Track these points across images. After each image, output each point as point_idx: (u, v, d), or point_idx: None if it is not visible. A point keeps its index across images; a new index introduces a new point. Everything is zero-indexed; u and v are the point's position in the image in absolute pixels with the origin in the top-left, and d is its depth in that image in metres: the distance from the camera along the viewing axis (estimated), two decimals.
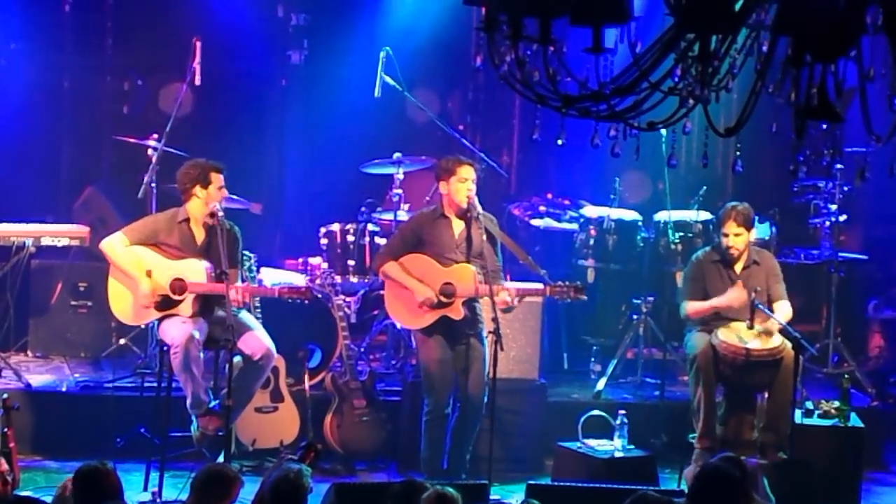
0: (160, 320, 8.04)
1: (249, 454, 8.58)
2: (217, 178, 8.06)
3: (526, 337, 9.06)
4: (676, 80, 4.16)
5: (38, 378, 9.28)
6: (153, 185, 9.25)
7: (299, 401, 8.77)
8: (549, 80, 4.17)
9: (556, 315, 9.84)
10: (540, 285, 8.15)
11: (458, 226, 8.23)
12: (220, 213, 8.02)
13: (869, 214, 11.03)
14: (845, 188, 10.05)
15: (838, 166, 9.78)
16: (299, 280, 9.17)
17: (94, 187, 10.44)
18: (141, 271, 7.98)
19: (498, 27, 4.17)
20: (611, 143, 4.42)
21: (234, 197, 8.99)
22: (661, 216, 9.94)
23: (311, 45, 11.38)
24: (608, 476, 7.91)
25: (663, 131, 4.46)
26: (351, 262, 9.62)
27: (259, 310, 8.61)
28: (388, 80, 9.78)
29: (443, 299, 8.07)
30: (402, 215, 9.63)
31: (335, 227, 9.71)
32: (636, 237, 9.99)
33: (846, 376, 8.72)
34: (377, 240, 9.63)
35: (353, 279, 9.64)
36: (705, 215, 9.81)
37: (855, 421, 8.49)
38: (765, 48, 4.15)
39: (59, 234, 9.54)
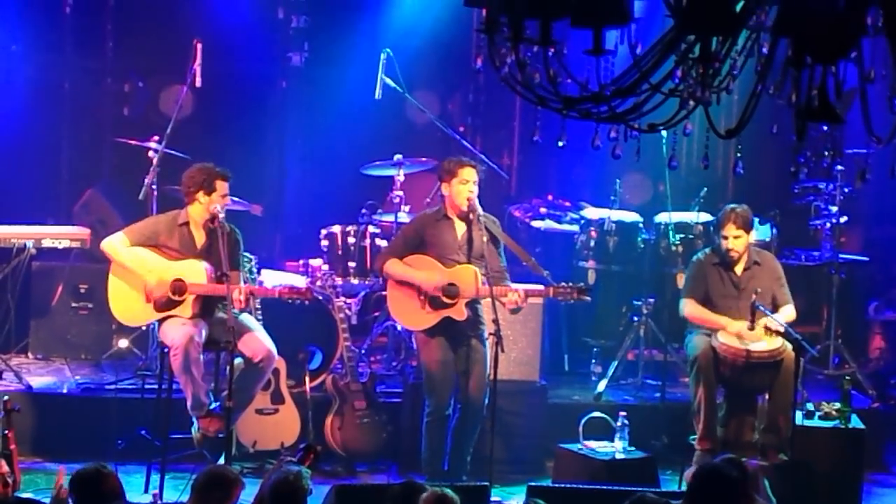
0: (160, 322, 8.05)
1: (250, 456, 8.58)
2: (222, 186, 8.07)
3: (527, 338, 9.06)
4: (677, 81, 4.16)
5: (39, 380, 9.28)
6: (154, 186, 9.25)
7: (300, 402, 8.77)
8: (549, 82, 4.17)
9: (556, 316, 9.84)
10: (543, 286, 8.16)
11: (461, 227, 8.23)
12: (221, 216, 8.03)
13: (869, 216, 11.03)
14: (846, 190, 10.05)
15: (839, 168, 9.78)
16: (300, 282, 9.16)
17: (94, 189, 10.44)
18: (145, 268, 7.99)
19: (498, 29, 4.18)
20: (611, 144, 4.42)
21: (235, 199, 8.98)
22: (661, 218, 9.94)
23: (311, 47, 11.39)
24: (609, 478, 7.91)
25: (664, 133, 4.46)
26: (352, 264, 9.62)
27: (260, 311, 8.61)
28: (389, 81, 9.78)
29: (446, 299, 8.08)
30: (403, 217, 9.63)
31: (336, 228, 9.70)
32: (637, 239, 9.98)
33: (847, 378, 8.71)
34: (378, 241, 9.63)
35: (354, 281, 9.64)
36: (706, 217, 9.81)
37: (856, 422, 8.48)
38: (765, 50, 4.16)
39: (59, 235, 9.55)
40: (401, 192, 9.77)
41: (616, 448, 8.22)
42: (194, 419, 8.00)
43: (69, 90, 11.11)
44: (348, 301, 9.38)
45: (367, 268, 9.61)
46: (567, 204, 10.76)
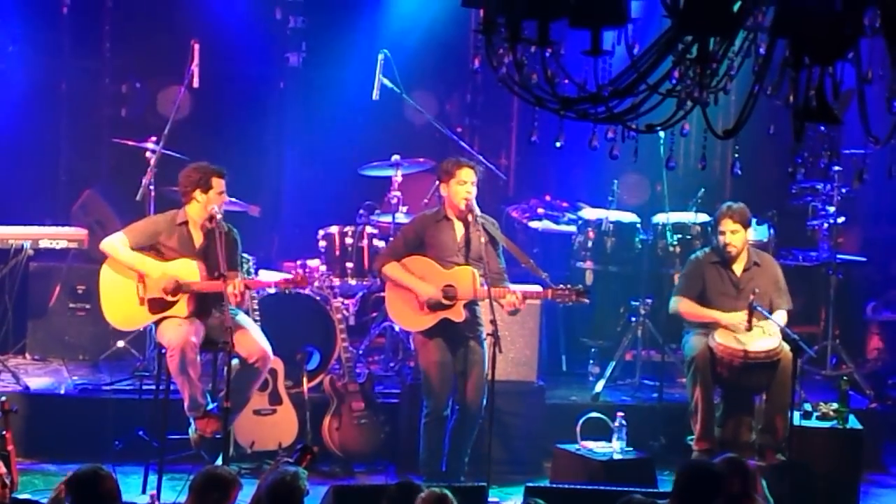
0: (157, 323, 8.04)
1: (248, 456, 8.58)
2: (218, 184, 8.06)
3: (524, 339, 9.06)
4: (675, 82, 4.16)
5: (37, 381, 9.27)
6: (151, 187, 9.25)
7: (298, 403, 8.77)
8: (547, 83, 4.17)
9: (554, 317, 9.84)
10: (541, 288, 8.16)
11: (460, 228, 8.24)
12: (219, 216, 8.03)
13: (867, 216, 11.04)
14: (843, 190, 10.06)
15: (836, 168, 9.79)
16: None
17: (92, 190, 10.43)
18: (143, 268, 7.97)
19: (496, 29, 4.18)
20: (609, 145, 4.42)
21: (233, 199, 8.98)
22: (659, 218, 9.94)
23: (309, 47, 11.38)
24: (607, 478, 7.91)
25: (661, 133, 4.46)
26: (349, 265, 9.62)
27: (258, 312, 8.60)
28: (387, 82, 9.78)
29: (444, 301, 8.08)
30: (401, 217, 9.63)
31: (333, 229, 9.70)
32: (634, 239, 9.98)
33: (845, 378, 8.71)
34: (375, 242, 9.63)
35: (352, 281, 9.64)
36: (703, 217, 9.80)
37: (853, 423, 8.48)
38: (762, 50, 4.16)
39: (57, 236, 9.54)
40: (398, 193, 9.77)
41: (614, 448, 8.23)
42: (192, 420, 8.00)
43: (67, 91, 11.10)
44: (346, 302, 9.38)
45: (364, 268, 9.61)
46: (565, 204, 10.77)
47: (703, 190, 9.88)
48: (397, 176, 9.79)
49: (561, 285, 8.17)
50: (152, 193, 9.25)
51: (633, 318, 9.78)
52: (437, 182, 8.44)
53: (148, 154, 9.32)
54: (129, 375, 9.28)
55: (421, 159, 10.01)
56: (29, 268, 9.69)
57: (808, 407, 8.53)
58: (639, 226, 10.03)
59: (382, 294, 8.99)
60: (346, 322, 9.04)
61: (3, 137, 10.43)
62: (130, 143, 9.61)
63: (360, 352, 9.64)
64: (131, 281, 8.02)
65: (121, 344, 9.73)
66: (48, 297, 9.87)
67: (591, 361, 9.98)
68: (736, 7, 4.05)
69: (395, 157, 9.81)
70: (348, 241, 9.64)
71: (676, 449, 8.58)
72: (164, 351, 8.02)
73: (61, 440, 8.57)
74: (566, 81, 4.21)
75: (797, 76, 4.02)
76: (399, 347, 9.74)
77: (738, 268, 8.59)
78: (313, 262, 9.55)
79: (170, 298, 7.98)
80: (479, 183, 8.33)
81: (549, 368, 9.61)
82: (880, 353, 10.69)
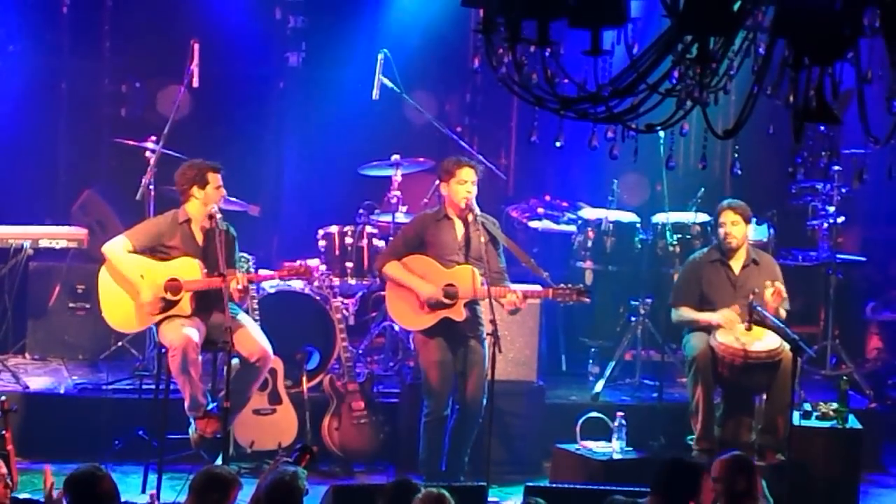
0: (158, 323, 8.03)
1: (247, 456, 8.58)
2: (214, 178, 8.06)
3: (524, 339, 9.06)
4: (674, 81, 4.16)
5: (36, 380, 9.27)
6: (151, 187, 9.24)
7: (297, 403, 8.77)
8: (547, 82, 4.17)
9: (554, 317, 9.84)
10: (541, 287, 8.17)
11: (460, 228, 8.24)
12: (219, 216, 8.03)
13: (867, 216, 11.03)
14: (843, 190, 10.06)
15: (836, 168, 9.79)
16: (297, 283, 9.16)
17: (92, 190, 10.43)
18: (138, 274, 7.97)
19: (496, 29, 4.17)
20: (609, 144, 4.42)
21: (233, 199, 8.99)
22: (659, 218, 9.94)
23: (309, 47, 11.38)
24: (606, 478, 7.91)
25: (661, 133, 4.46)
26: (349, 264, 9.61)
27: (257, 312, 8.60)
28: (386, 82, 9.78)
29: (445, 301, 8.08)
30: (401, 217, 9.63)
31: (333, 229, 9.70)
32: (634, 239, 9.98)
33: (844, 378, 8.71)
34: (375, 242, 9.63)
35: (352, 281, 9.64)
36: (703, 217, 9.80)
37: (853, 423, 8.48)
38: (761, 50, 4.16)
39: (57, 236, 9.55)
40: (398, 193, 9.76)
41: (613, 448, 8.23)
42: (191, 420, 8.00)
43: (66, 90, 11.10)
44: (346, 301, 9.38)
45: (364, 268, 9.61)
46: (564, 204, 10.76)
47: (702, 190, 9.88)
48: (397, 175, 9.79)
49: (562, 284, 8.18)
50: (152, 193, 9.25)
51: (633, 318, 9.78)
52: (438, 181, 8.45)
53: (148, 154, 9.31)
54: (128, 375, 9.28)
55: (421, 159, 10.01)
56: (28, 267, 9.69)
57: (807, 407, 8.53)
58: (638, 225, 10.03)
59: (382, 293, 9.00)
60: (345, 322, 9.04)
61: (3, 137, 10.43)
62: (130, 142, 9.61)
63: (360, 351, 9.65)
64: (131, 282, 8.01)
65: (121, 344, 9.72)
66: (48, 297, 9.87)
67: (591, 361, 9.98)
68: (736, 7, 4.05)
69: (395, 157, 9.80)
70: (348, 240, 9.64)
71: (676, 449, 8.57)
72: (164, 351, 8.02)
73: (61, 440, 8.57)
74: (566, 81, 4.21)
75: (797, 76, 4.02)
76: (399, 347, 9.73)
77: (736, 265, 8.60)
78: (313, 262, 9.49)
79: (171, 298, 7.98)
80: (479, 182, 8.33)
81: (548, 368, 9.60)
82: (880, 353, 10.69)
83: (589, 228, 10.02)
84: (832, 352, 10.11)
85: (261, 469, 8.24)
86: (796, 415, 8.10)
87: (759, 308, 8.22)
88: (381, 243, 9.53)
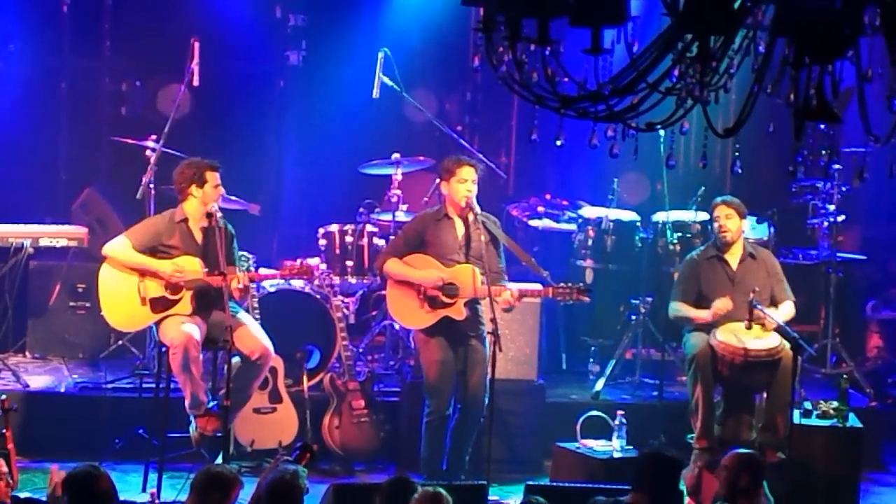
0: (159, 321, 8.03)
1: (248, 455, 8.58)
2: (213, 177, 8.06)
3: (524, 337, 9.06)
4: (675, 80, 4.16)
5: (37, 379, 9.27)
6: (151, 186, 9.24)
7: (298, 402, 8.77)
8: (547, 81, 4.17)
9: (554, 315, 9.84)
10: (542, 286, 8.17)
11: (461, 227, 8.23)
12: (219, 214, 8.03)
13: (867, 215, 11.03)
14: (843, 188, 10.06)
15: (836, 166, 9.79)
16: (297, 281, 9.15)
17: (92, 188, 10.44)
18: (154, 264, 7.96)
19: (496, 28, 4.18)
20: (609, 143, 4.42)
21: (233, 198, 8.99)
22: (659, 217, 9.94)
23: (309, 45, 11.38)
24: (607, 477, 7.91)
25: (661, 132, 4.46)
26: (349, 263, 9.61)
27: (258, 310, 8.60)
28: (387, 80, 9.77)
29: (445, 299, 8.08)
30: (401, 216, 9.63)
31: (333, 227, 9.70)
32: (634, 238, 9.98)
33: (844, 377, 8.72)
34: (376, 240, 9.63)
35: (352, 280, 9.64)
36: (703, 216, 9.79)
37: (853, 421, 8.49)
38: (761, 48, 4.16)
39: (57, 234, 9.55)
40: (398, 191, 9.76)
41: (614, 447, 8.23)
42: (192, 418, 8.00)
43: (67, 89, 11.10)
44: (346, 300, 9.38)
45: (364, 267, 9.61)
46: (565, 203, 10.76)
47: (703, 188, 9.87)
48: (397, 174, 9.79)
49: (562, 283, 8.18)
50: (152, 192, 9.24)
51: (633, 317, 9.78)
52: (438, 180, 8.45)
53: (148, 152, 9.31)
54: (129, 374, 9.28)
55: (421, 158, 10.01)
56: (29, 266, 9.69)
57: (808, 405, 8.54)
58: (639, 224, 10.03)
59: (382, 292, 9.01)
60: (346, 320, 9.04)
61: (4, 136, 10.43)
62: (130, 141, 9.61)
63: (361, 350, 9.64)
64: (132, 282, 8.01)
65: (121, 342, 9.73)
66: (48, 296, 9.87)
67: (592, 360, 9.98)
68: (736, 5, 4.05)
69: (396, 156, 9.80)
70: (348, 239, 9.64)
71: (676, 447, 8.57)
72: (165, 349, 8.02)
73: (61, 438, 8.56)
74: (566, 80, 4.21)
75: (797, 75, 4.02)
76: (399, 346, 9.74)
77: (733, 261, 8.60)
78: (313, 261, 9.51)
79: (172, 297, 7.98)
80: (480, 181, 8.32)
81: (549, 367, 9.61)
82: (880, 351, 10.68)
83: (589, 227, 10.02)
84: (832, 350, 10.11)
85: (261, 468, 8.25)
86: (796, 413, 8.10)
87: (759, 306, 8.22)
88: (381, 242, 9.53)
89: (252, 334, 8.02)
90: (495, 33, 4.19)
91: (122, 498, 5.95)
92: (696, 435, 8.36)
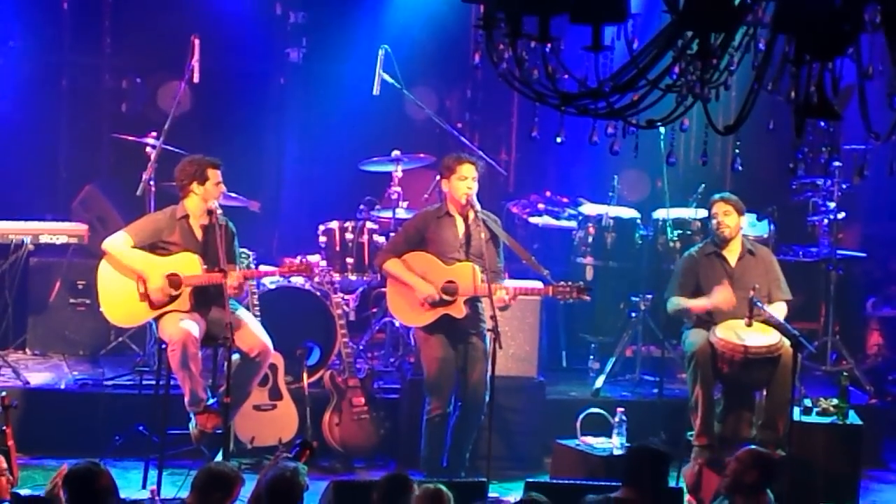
0: (158, 318, 8.04)
1: (248, 452, 8.58)
2: (214, 174, 8.06)
3: (524, 335, 9.06)
4: (675, 77, 4.16)
5: (37, 376, 9.28)
6: (152, 183, 9.24)
7: (298, 399, 8.77)
8: (547, 78, 4.17)
9: (554, 313, 9.84)
10: (542, 285, 8.17)
11: (461, 224, 8.23)
12: (219, 212, 8.03)
13: (867, 212, 11.03)
14: (844, 186, 10.06)
15: (836, 164, 9.79)
16: (297, 278, 9.15)
17: (92, 185, 10.44)
18: (147, 266, 7.97)
19: (496, 25, 4.17)
20: (609, 140, 4.42)
21: (233, 195, 8.99)
22: (659, 214, 9.94)
23: (309, 42, 11.38)
24: (606, 474, 7.90)
25: (662, 129, 4.46)
26: (349, 260, 9.61)
27: (258, 308, 8.60)
28: (387, 77, 9.77)
29: (445, 297, 8.08)
30: (401, 213, 9.63)
31: (334, 224, 9.69)
32: (635, 235, 9.98)
33: (845, 374, 8.72)
34: (376, 238, 9.62)
35: (352, 277, 9.63)
36: (704, 213, 9.78)
37: (853, 419, 8.49)
38: (762, 45, 4.16)
39: (57, 231, 9.55)
40: (399, 189, 9.76)
41: (614, 444, 8.23)
42: (192, 415, 8.00)
43: (67, 86, 11.11)
44: (346, 297, 9.38)
45: (365, 264, 9.60)
46: (565, 200, 10.76)
47: (703, 185, 9.86)
48: (397, 171, 9.78)
49: (562, 282, 8.18)
50: (152, 189, 9.24)
51: (633, 314, 9.79)
52: (438, 178, 8.44)
53: (148, 149, 9.31)
54: (129, 371, 9.28)
55: (421, 155, 10.01)
56: (29, 263, 9.70)
57: (808, 403, 8.54)
58: (639, 221, 10.03)
59: (383, 289, 9.01)
60: (346, 317, 9.04)
61: (4, 133, 10.44)
62: (131, 138, 9.61)
63: (361, 347, 9.65)
64: (131, 277, 8.01)
65: (121, 339, 9.73)
66: (48, 293, 9.87)
67: (592, 357, 9.99)
68: (736, 2, 4.05)
69: (396, 153, 9.80)
70: (348, 236, 9.63)
71: (676, 445, 8.57)
72: (164, 346, 8.02)
73: (61, 435, 8.57)
74: (566, 77, 4.21)
75: (798, 72, 4.02)
76: (399, 343, 9.74)
77: (732, 257, 8.60)
78: (313, 258, 9.53)
79: (172, 293, 7.98)
80: (480, 178, 8.32)
81: (549, 364, 9.61)
82: (880, 349, 10.69)
83: (589, 224, 10.02)
84: (832, 348, 10.11)
85: (261, 465, 8.25)
86: (796, 410, 8.10)
87: (759, 303, 8.22)
88: (381, 239, 9.53)
89: (251, 332, 8.03)
90: (496, 30, 4.19)
91: (122, 495, 5.96)
92: (695, 432, 8.36)
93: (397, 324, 9.40)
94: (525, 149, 11.70)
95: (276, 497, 5.63)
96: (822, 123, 4.35)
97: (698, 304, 8.47)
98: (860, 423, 8.50)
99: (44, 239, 9.47)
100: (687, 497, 7.65)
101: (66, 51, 11.09)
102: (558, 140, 4.46)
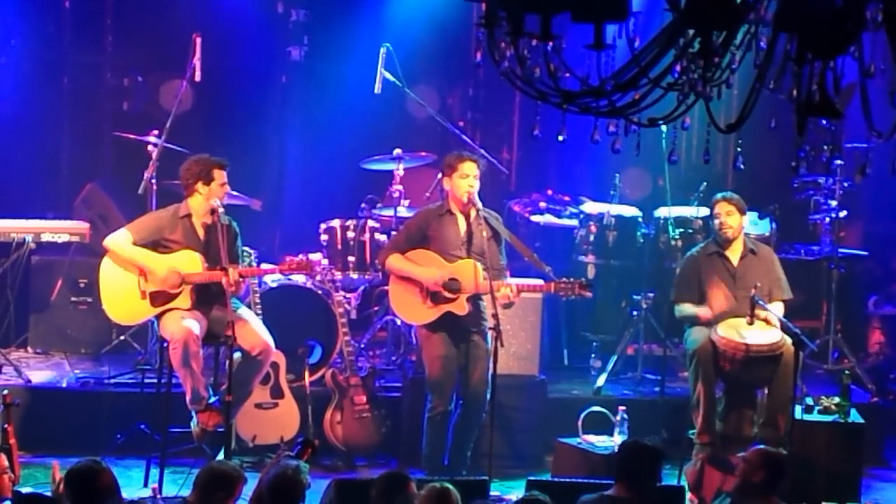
0: (159, 316, 8.04)
1: (250, 450, 8.58)
2: (220, 175, 8.06)
3: (526, 333, 9.06)
4: (677, 76, 4.16)
5: (39, 374, 9.28)
6: (153, 181, 9.25)
7: (299, 397, 8.77)
8: (549, 77, 4.17)
9: (556, 311, 9.84)
10: (544, 282, 8.17)
11: (463, 222, 8.23)
12: (221, 210, 8.03)
13: (869, 210, 11.03)
14: (845, 184, 10.06)
15: (838, 162, 9.78)
16: (299, 277, 9.16)
17: (94, 184, 10.44)
18: (151, 261, 7.97)
19: (498, 23, 4.17)
20: (611, 139, 4.42)
21: (235, 193, 8.98)
22: (661, 212, 9.94)
23: (311, 41, 11.38)
24: (608, 472, 7.86)
25: (663, 127, 4.46)
26: (351, 259, 9.61)
27: (259, 306, 8.61)
28: (389, 76, 9.77)
29: (448, 294, 8.08)
30: (403, 211, 9.63)
31: (335, 223, 9.69)
32: (636, 233, 9.98)
33: (846, 372, 8.71)
34: (377, 236, 9.62)
35: (354, 275, 9.63)
36: (705, 211, 9.78)
37: (855, 417, 8.49)
38: (763, 44, 4.16)
39: (59, 230, 9.56)
40: (400, 187, 9.76)
41: (615, 442, 8.23)
42: (193, 413, 8.00)
43: (69, 85, 11.11)
44: (348, 295, 9.38)
45: (366, 262, 9.60)
46: (566, 198, 10.76)
47: (705, 184, 9.87)
48: (399, 170, 9.78)
49: (564, 279, 8.17)
50: (154, 187, 9.25)
51: (635, 312, 9.79)
52: (440, 176, 8.44)
53: (150, 148, 9.32)
54: (130, 369, 9.28)
55: (423, 153, 10.01)
56: (31, 261, 9.71)
57: (809, 401, 8.53)
58: (640, 220, 10.03)
59: (384, 288, 9.01)
60: (347, 316, 9.04)
61: (5, 131, 10.44)
62: (132, 136, 9.61)
63: (362, 345, 9.65)
64: (132, 275, 8.02)
65: (123, 337, 9.73)
66: (50, 291, 9.88)
67: (593, 355, 9.98)
68: (738, 0, 4.05)
69: (397, 151, 9.80)
70: (350, 234, 9.63)
71: (678, 443, 8.58)
72: (166, 344, 8.02)
73: (63, 434, 8.58)
74: (568, 75, 4.21)
75: (799, 70, 4.02)
76: (401, 341, 9.74)
77: (734, 257, 8.60)
78: (315, 256, 9.52)
79: (172, 291, 7.98)
80: (482, 177, 8.32)
81: (550, 362, 9.61)
82: (882, 347, 10.69)
83: (591, 223, 10.02)
84: (834, 346, 10.11)
85: (263, 463, 8.25)
86: (798, 409, 8.10)
87: (761, 302, 8.22)
88: (382, 237, 9.53)
89: (253, 330, 8.03)
90: (497, 29, 4.19)
91: (123, 493, 5.95)
92: (697, 430, 8.36)
93: (399, 322, 9.40)
94: (527, 147, 11.70)
95: (278, 495, 5.63)
96: (824, 122, 4.35)
97: (705, 313, 8.47)
98: (862, 421, 8.49)
99: (45, 237, 9.47)
100: (689, 495, 7.65)
101: (67, 49, 11.09)
102: (560, 138, 4.46)
